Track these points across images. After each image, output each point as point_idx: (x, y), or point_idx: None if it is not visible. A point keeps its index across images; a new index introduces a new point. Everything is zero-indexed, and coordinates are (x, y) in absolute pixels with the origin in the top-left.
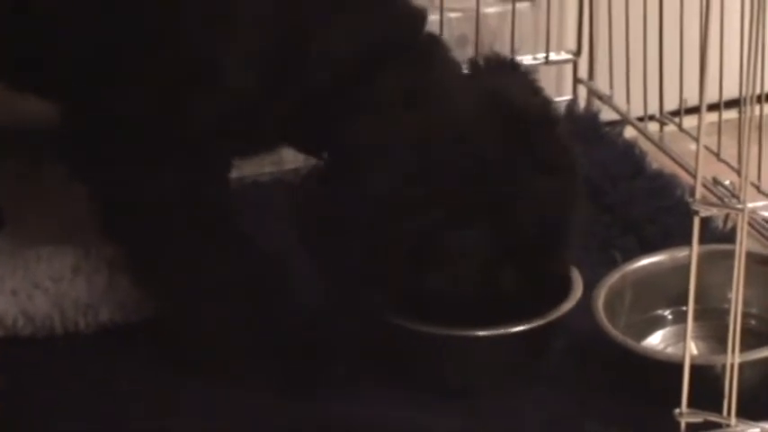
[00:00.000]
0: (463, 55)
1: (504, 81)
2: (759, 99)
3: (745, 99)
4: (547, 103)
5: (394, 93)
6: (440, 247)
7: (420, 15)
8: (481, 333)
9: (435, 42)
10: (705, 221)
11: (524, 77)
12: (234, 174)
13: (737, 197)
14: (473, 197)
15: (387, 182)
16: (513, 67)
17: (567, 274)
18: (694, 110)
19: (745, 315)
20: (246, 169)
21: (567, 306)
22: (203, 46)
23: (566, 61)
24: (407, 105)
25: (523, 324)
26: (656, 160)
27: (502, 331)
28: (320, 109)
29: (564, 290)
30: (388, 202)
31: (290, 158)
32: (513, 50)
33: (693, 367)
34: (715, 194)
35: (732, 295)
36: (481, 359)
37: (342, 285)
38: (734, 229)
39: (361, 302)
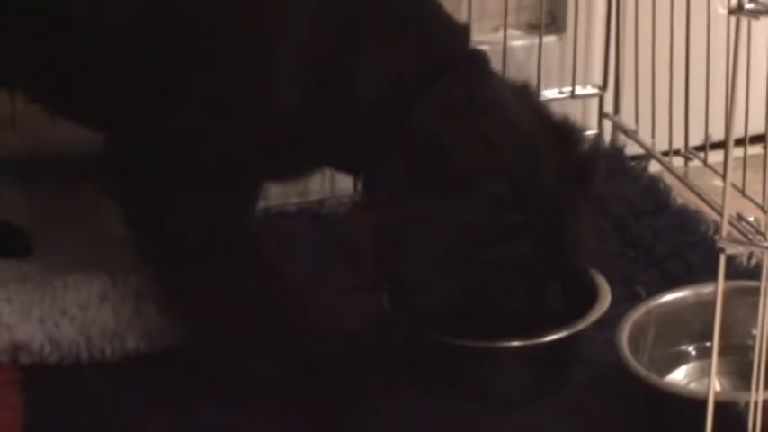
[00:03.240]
0: None
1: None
2: None
3: None
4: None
5: (451, 104)
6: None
7: (464, 31)
8: (514, 344)
9: (481, 55)
10: (730, 258)
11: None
12: (261, 204)
13: (762, 234)
14: (535, 206)
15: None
16: (526, 87)
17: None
18: (719, 145)
19: None
20: (273, 200)
21: (593, 316)
22: (250, 65)
23: (591, 95)
24: (468, 113)
25: (550, 334)
26: (681, 195)
27: (532, 342)
28: (368, 126)
29: (588, 301)
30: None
31: (316, 189)
32: (539, 84)
33: (717, 404)
34: (739, 230)
35: (756, 332)
36: (509, 370)
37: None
38: (758, 266)
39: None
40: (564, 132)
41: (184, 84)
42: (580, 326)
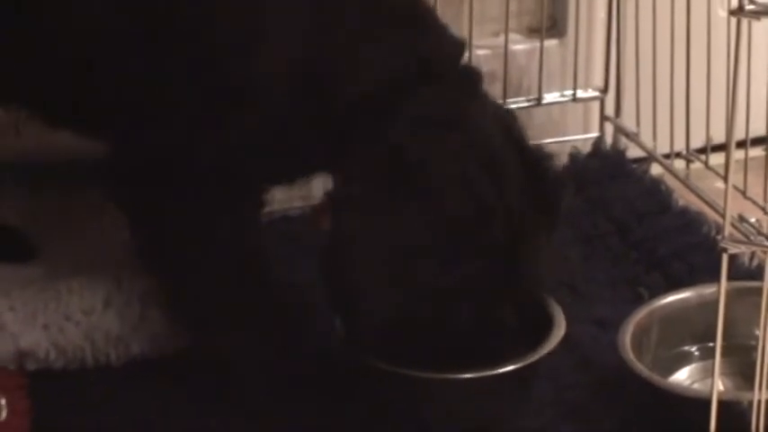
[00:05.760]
0: (491, 92)
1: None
2: None
3: None
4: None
5: (429, 116)
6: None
7: (458, 45)
8: (469, 375)
9: (473, 72)
10: (732, 258)
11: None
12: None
13: (764, 234)
14: (496, 231)
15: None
16: (510, 113)
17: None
18: (720, 147)
19: None
20: (276, 204)
21: (550, 346)
22: (235, 65)
23: (593, 98)
24: (444, 129)
25: (505, 365)
26: (683, 197)
27: (489, 373)
28: (349, 127)
29: (543, 329)
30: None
31: (319, 193)
32: (540, 88)
33: (720, 403)
34: (741, 231)
35: (759, 332)
36: (472, 401)
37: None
38: (760, 266)
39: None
40: (536, 162)
41: (170, 88)
42: (534, 357)
